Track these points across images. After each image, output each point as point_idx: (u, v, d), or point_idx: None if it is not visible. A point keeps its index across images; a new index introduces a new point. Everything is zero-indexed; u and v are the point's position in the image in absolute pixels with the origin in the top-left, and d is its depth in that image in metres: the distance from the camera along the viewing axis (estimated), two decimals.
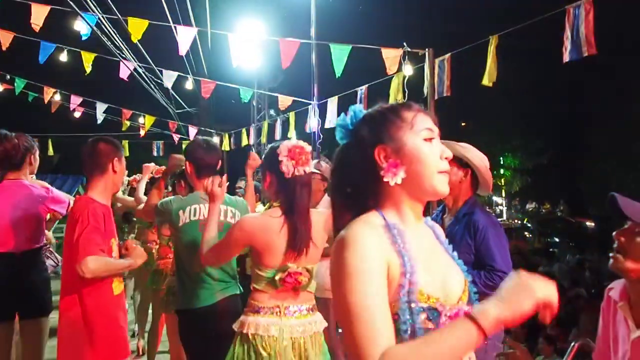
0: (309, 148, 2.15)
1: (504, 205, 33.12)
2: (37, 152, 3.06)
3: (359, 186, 1.15)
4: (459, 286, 1.15)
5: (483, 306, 0.94)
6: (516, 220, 28.35)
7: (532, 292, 0.94)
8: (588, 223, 21.73)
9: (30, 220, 2.86)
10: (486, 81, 4.94)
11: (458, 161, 2.47)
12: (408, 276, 1.02)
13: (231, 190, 6.99)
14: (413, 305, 1.01)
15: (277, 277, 2.05)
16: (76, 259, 2.12)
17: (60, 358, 2.20)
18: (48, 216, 3.06)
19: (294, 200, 2.08)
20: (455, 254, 1.24)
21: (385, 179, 1.11)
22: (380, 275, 0.99)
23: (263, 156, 2.27)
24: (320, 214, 2.21)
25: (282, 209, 2.10)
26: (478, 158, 2.51)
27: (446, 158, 1.12)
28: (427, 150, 1.11)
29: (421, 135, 1.12)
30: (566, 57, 4.15)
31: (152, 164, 4.09)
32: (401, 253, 1.04)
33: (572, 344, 3.49)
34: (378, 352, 0.92)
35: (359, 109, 1.23)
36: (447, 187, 1.12)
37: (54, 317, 2.68)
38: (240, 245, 2.11)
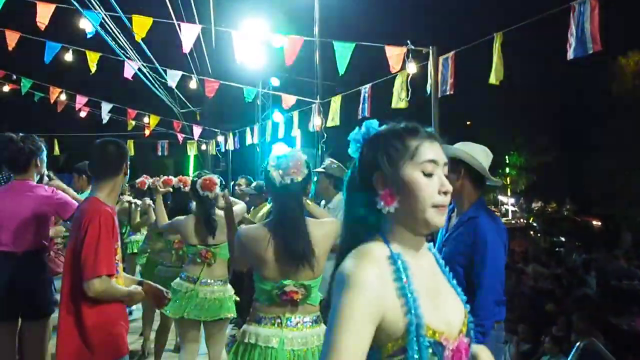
0: (301, 158, 2.11)
1: (509, 204, 32.99)
2: (45, 154, 3.05)
3: (362, 209, 1.15)
4: (460, 318, 1.15)
5: None
6: (522, 220, 28.24)
7: None
8: (594, 222, 21.61)
9: (36, 221, 2.87)
10: (493, 79, 4.88)
11: (450, 163, 2.44)
12: (413, 312, 1.03)
13: (232, 188, 6.99)
14: (421, 339, 1.02)
15: (273, 292, 2.04)
16: (84, 271, 2.13)
17: (59, 353, 2.21)
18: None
19: (281, 212, 2.06)
20: (455, 282, 1.23)
21: (377, 207, 1.11)
22: (369, 325, 1.01)
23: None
24: (321, 225, 2.16)
25: (272, 221, 2.09)
26: (470, 151, 2.43)
27: (445, 192, 1.10)
28: (424, 184, 1.08)
29: (421, 167, 1.09)
30: (570, 54, 4.11)
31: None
32: (403, 291, 1.04)
33: (578, 343, 3.47)
34: None
35: (373, 125, 1.20)
36: (441, 220, 1.10)
37: (56, 315, 2.69)
38: (244, 254, 2.11)
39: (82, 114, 12.08)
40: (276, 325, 2.04)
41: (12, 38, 6.97)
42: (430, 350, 1.03)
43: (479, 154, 2.44)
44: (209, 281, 3.36)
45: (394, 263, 1.06)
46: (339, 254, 1.15)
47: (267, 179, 2.11)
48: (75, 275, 2.19)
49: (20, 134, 2.97)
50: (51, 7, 6.10)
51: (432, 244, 1.25)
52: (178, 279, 3.42)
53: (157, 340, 4.22)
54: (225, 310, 3.35)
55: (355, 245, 1.11)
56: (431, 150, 1.11)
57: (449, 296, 1.17)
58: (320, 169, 3.75)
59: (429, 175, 1.09)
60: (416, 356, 1.01)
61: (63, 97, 10.91)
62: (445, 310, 1.12)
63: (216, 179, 3.38)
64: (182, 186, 3.94)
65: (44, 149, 3.03)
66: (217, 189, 3.35)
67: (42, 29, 6.18)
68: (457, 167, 2.39)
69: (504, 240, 2.41)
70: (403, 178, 1.09)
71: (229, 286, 3.50)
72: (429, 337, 1.03)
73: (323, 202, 3.89)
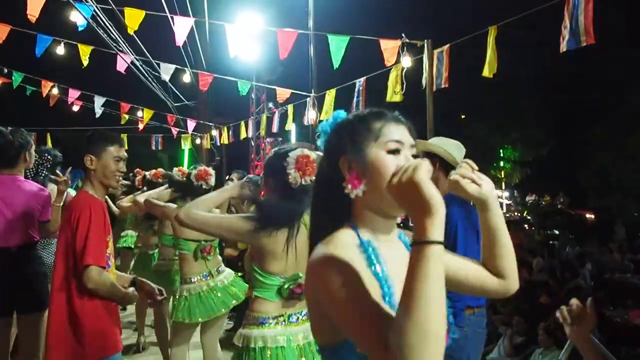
0: (314, 156, 2.06)
1: (503, 197, 33.08)
2: (33, 148, 3.06)
3: (330, 197, 1.13)
4: None
5: (413, 231, 0.92)
6: (516, 213, 28.33)
7: (414, 184, 0.94)
8: (588, 215, 21.71)
9: (25, 216, 2.85)
10: (486, 72, 4.89)
11: (425, 157, 2.54)
12: (387, 299, 1.01)
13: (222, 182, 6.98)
14: None
15: (285, 286, 2.01)
16: (80, 261, 2.11)
17: (49, 351, 2.18)
18: None
19: (300, 210, 2.02)
20: None
21: (345, 191, 1.08)
22: (364, 284, 0.97)
23: (266, 161, 2.18)
24: None
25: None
26: (444, 145, 2.61)
27: None
28: (390, 163, 1.06)
29: (385, 147, 1.08)
30: (564, 47, 4.11)
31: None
32: (377, 277, 1.03)
33: None
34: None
35: (340, 114, 1.19)
36: None
37: None
38: (234, 231, 2.01)
39: (75, 108, 11.97)
40: (280, 324, 2.02)
41: (2, 31, 6.87)
42: None
43: (452, 148, 2.62)
44: (219, 269, 3.39)
45: (365, 251, 1.05)
46: (310, 244, 1.12)
47: (280, 178, 2.01)
48: (66, 269, 2.17)
49: (9, 128, 2.96)
50: (42, 0, 6.01)
51: (402, 232, 1.22)
52: (184, 285, 3.30)
53: (161, 337, 4.16)
54: (235, 298, 3.34)
55: (324, 236, 1.09)
56: (396, 131, 1.10)
57: None
58: None
59: (394, 154, 1.08)
60: None
61: (55, 90, 10.80)
62: None
63: (211, 170, 3.37)
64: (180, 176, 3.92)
65: (32, 144, 3.03)
66: (213, 180, 3.35)
67: (33, 22, 6.09)
68: (432, 160, 2.52)
69: (477, 227, 2.48)
70: (368, 159, 1.07)
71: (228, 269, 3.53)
72: None
73: None
